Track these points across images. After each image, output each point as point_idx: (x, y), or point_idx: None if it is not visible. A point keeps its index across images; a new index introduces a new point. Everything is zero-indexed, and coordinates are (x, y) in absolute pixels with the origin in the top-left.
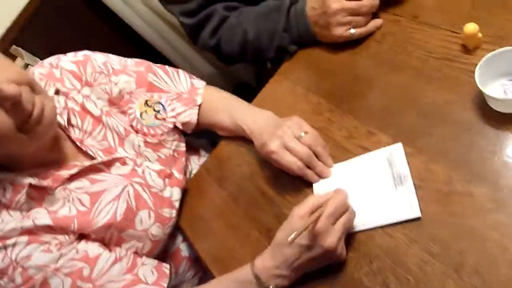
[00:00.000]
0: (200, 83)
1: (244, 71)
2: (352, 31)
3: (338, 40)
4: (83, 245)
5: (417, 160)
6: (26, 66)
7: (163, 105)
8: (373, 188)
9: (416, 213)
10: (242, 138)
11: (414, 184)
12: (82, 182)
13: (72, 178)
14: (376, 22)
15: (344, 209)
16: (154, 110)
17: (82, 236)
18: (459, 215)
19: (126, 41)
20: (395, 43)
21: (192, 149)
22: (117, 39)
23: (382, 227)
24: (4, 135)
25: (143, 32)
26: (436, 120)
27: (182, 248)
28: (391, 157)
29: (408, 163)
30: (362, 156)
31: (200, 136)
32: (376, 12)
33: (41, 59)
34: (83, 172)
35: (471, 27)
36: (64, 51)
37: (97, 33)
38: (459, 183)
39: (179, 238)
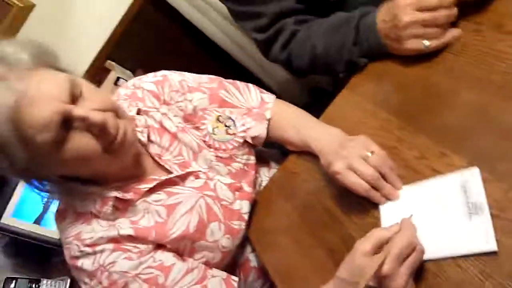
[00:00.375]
0: (270, 98)
1: (320, 76)
2: (427, 43)
3: (411, 53)
4: (159, 254)
5: (495, 187)
6: (118, 79)
7: (233, 121)
8: (445, 215)
9: (492, 246)
10: (310, 154)
11: (491, 214)
12: (160, 195)
13: (151, 191)
14: (454, 32)
15: (412, 248)
16: (225, 126)
17: (159, 245)
18: None
19: (205, 52)
20: (475, 55)
21: (262, 161)
22: (197, 50)
23: (453, 258)
24: (92, 156)
25: (222, 44)
26: None
27: (251, 259)
28: (466, 183)
29: (485, 190)
30: (433, 180)
31: (271, 146)
32: (455, 20)
33: (130, 71)
34: (160, 186)
35: None
36: (151, 63)
37: (181, 46)
38: None
39: (248, 249)
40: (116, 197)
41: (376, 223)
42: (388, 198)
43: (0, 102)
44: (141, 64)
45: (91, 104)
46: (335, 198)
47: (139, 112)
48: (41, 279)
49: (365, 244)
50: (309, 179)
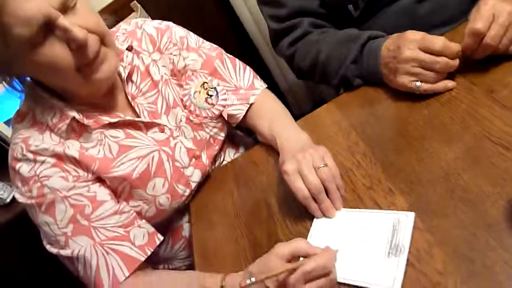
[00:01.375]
0: (260, 85)
1: (327, 90)
2: (418, 84)
3: (401, 89)
4: (95, 187)
5: (423, 238)
6: None
7: (217, 92)
8: (368, 246)
9: None
10: (275, 149)
11: (408, 260)
12: (118, 133)
13: (111, 125)
14: (448, 83)
15: (325, 273)
16: (207, 94)
17: (99, 179)
18: None
19: (230, 29)
20: (458, 112)
21: (232, 143)
22: (223, 25)
23: (357, 287)
24: (63, 69)
25: (247, 25)
26: (461, 206)
27: (184, 228)
28: (398, 224)
29: (412, 237)
30: (371, 211)
31: (249, 134)
32: (453, 73)
33: (152, 19)
34: (123, 124)
35: None
36: (173, 21)
37: (208, 17)
38: (453, 280)
39: (186, 218)
40: (75, 118)
41: (305, 234)
42: (324, 213)
43: None
44: (163, 18)
45: (79, 21)
46: (279, 197)
47: (130, 49)
48: None
49: (284, 248)
50: (264, 172)
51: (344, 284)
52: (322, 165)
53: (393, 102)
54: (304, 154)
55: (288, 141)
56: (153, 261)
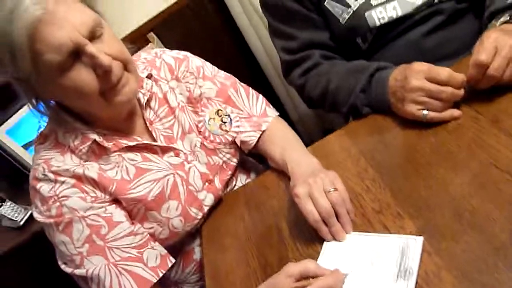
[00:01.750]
0: (272, 113)
1: (337, 119)
2: (425, 112)
3: (409, 117)
4: (112, 208)
5: (431, 261)
6: None
7: (231, 119)
8: (377, 270)
9: None
10: (286, 174)
11: (417, 283)
12: (136, 156)
13: (130, 149)
14: (454, 112)
15: None
16: (221, 121)
17: (116, 201)
18: None
19: (242, 58)
20: (464, 139)
21: (244, 169)
22: (235, 55)
23: None
24: (88, 92)
25: (259, 55)
26: (469, 230)
27: (196, 251)
28: (407, 248)
29: (421, 261)
30: (380, 235)
31: (260, 161)
32: (459, 102)
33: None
34: (140, 148)
35: None
36: (187, 50)
37: (221, 45)
38: None
39: (197, 241)
40: (95, 141)
41: (315, 257)
42: (334, 237)
43: (29, 10)
44: (178, 49)
45: (105, 48)
46: (290, 221)
47: (150, 77)
48: (6, 200)
49: (294, 268)
50: (276, 197)
51: None
52: (332, 189)
53: (401, 130)
54: (315, 178)
55: (299, 166)
56: (164, 285)
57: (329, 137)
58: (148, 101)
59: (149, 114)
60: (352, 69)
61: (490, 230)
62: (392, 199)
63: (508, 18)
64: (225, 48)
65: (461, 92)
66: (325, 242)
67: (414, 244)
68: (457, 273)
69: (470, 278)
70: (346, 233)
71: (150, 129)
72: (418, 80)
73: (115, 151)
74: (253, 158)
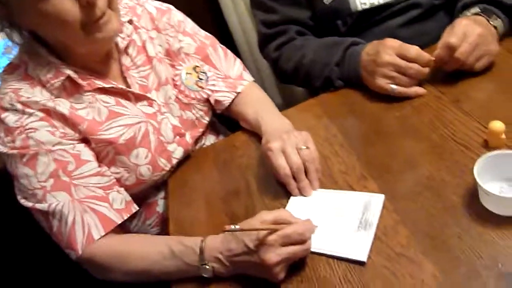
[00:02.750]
0: (249, 77)
1: (302, 98)
2: (393, 87)
3: (378, 91)
4: (81, 146)
5: (390, 217)
6: None
7: (207, 77)
8: (340, 221)
9: (363, 257)
10: (256, 136)
11: (376, 235)
12: (110, 99)
13: (104, 91)
14: (418, 90)
15: (301, 239)
16: (198, 78)
17: (85, 140)
18: (398, 278)
19: (218, 31)
20: (427, 115)
21: (214, 130)
22: (212, 28)
23: (328, 256)
24: (69, 22)
25: (235, 34)
26: (425, 192)
27: (159, 204)
28: (369, 203)
29: (381, 215)
30: (345, 192)
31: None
32: (424, 82)
33: None
34: (114, 92)
35: (497, 125)
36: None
37: (199, 18)
38: (414, 250)
39: (161, 194)
40: (70, 76)
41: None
42: (301, 192)
43: None
44: None
45: None
46: (258, 177)
47: (130, 22)
48: None
49: (268, 215)
50: (244, 155)
51: (318, 254)
52: (304, 147)
53: (370, 103)
54: (289, 135)
55: (272, 125)
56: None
57: (302, 105)
58: (127, 47)
59: (126, 61)
60: (327, 43)
61: (443, 193)
62: (358, 162)
63: (478, 10)
64: (203, 22)
65: (426, 70)
66: (291, 197)
67: (376, 200)
68: (412, 228)
69: (422, 232)
70: (313, 189)
71: (125, 75)
72: (389, 55)
73: (88, 91)
74: (222, 125)
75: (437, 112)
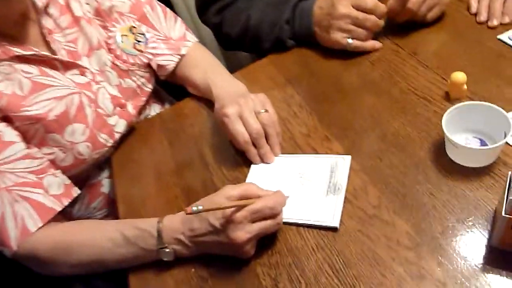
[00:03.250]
0: (192, 37)
1: (245, 63)
2: (350, 41)
3: (334, 46)
4: (2, 126)
5: (358, 177)
6: None
7: (147, 39)
8: (307, 188)
9: (335, 223)
10: (207, 101)
11: (345, 198)
12: (32, 68)
13: (23, 59)
14: (375, 43)
15: (272, 214)
16: (136, 40)
17: (6, 119)
18: (373, 240)
19: None
20: (386, 69)
21: (158, 98)
22: None
23: (298, 225)
24: None
25: None
26: (392, 149)
27: (104, 184)
28: (335, 166)
29: (349, 177)
30: (309, 156)
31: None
32: (379, 35)
33: None
34: (36, 60)
35: (459, 76)
36: None
37: None
38: (386, 211)
39: (105, 173)
40: None
41: (243, 179)
42: (262, 159)
43: None
44: None
45: None
46: (213, 146)
47: None
48: None
49: (233, 190)
50: (195, 124)
51: (287, 223)
52: (263, 111)
53: (326, 61)
54: (245, 99)
55: (225, 88)
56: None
57: (253, 65)
58: (47, 6)
59: (47, 22)
60: (273, 2)
61: (410, 149)
62: (319, 123)
63: None
64: None
65: (383, 22)
66: (252, 165)
67: (342, 162)
68: (382, 187)
69: (393, 191)
70: (275, 155)
71: (48, 39)
72: (346, 7)
73: (4, 59)
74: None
75: (395, 66)
